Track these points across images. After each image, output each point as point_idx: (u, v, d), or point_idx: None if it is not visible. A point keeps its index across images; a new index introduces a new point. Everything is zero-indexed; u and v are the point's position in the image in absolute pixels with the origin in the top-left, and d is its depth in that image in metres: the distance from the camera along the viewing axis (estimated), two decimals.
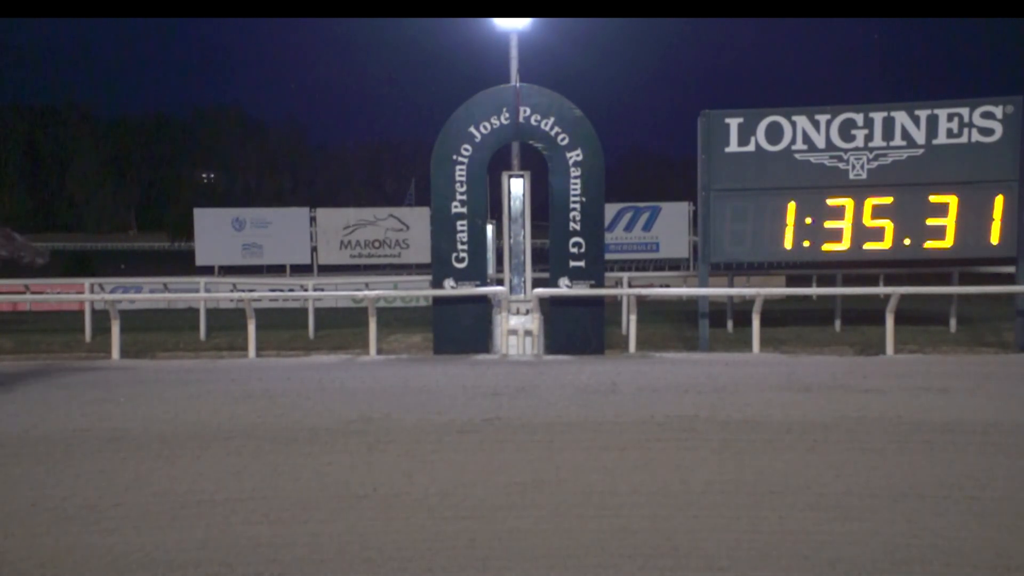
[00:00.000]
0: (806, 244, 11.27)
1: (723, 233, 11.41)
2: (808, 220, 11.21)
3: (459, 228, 11.31)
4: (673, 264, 23.75)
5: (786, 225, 11.23)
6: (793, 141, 11.26)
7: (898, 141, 11.14)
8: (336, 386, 8.27)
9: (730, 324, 13.29)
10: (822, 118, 11.25)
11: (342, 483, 4.93)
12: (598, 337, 11.30)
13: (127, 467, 5.32)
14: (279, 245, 24.62)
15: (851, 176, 11.19)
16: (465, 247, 11.32)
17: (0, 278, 8.32)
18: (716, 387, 8.07)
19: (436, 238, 11.58)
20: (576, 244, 11.26)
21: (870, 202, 11.12)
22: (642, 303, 13.08)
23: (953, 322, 12.71)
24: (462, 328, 11.34)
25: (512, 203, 11.57)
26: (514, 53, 12.34)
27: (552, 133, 11.27)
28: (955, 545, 3.93)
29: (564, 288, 11.22)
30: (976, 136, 10.99)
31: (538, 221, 11.81)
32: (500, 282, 11.73)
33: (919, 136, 11.08)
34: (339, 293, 16.64)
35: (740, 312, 13.30)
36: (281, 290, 19.35)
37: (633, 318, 11.50)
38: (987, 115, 10.98)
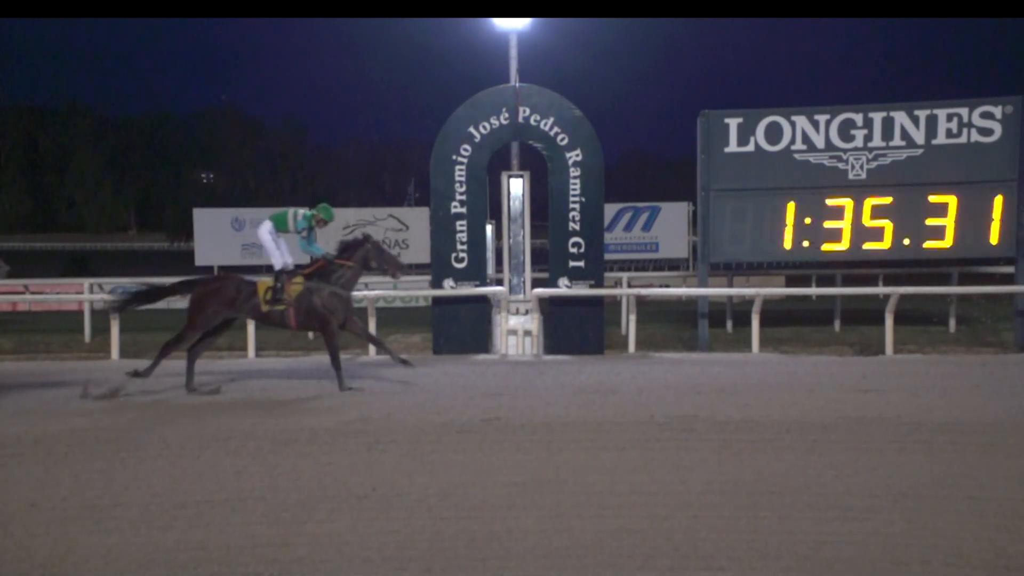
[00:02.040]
0: (805, 244, 11.27)
1: (723, 233, 11.42)
2: (807, 220, 11.21)
3: (459, 228, 11.31)
4: (673, 264, 23.76)
5: (785, 225, 11.24)
6: (792, 141, 11.27)
7: (897, 141, 11.14)
8: (336, 386, 8.26)
9: (730, 324, 13.29)
10: (821, 118, 11.25)
11: (342, 483, 4.93)
12: (597, 337, 11.30)
13: (127, 467, 5.31)
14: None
15: (850, 176, 11.19)
16: (465, 247, 11.33)
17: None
18: (716, 387, 8.06)
19: (436, 238, 11.58)
20: (576, 244, 11.26)
21: (869, 202, 11.12)
22: (641, 303, 13.08)
23: (952, 322, 12.71)
24: (462, 328, 11.33)
25: (512, 203, 11.57)
26: (514, 53, 12.34)
27: (552, 133, 11.27)
28: (955, 545, 3.93)
29: (563, 288, 11.22)
30: (975, 136, 10.99)
31: (538, 221, 11.82)
32: (500, 282, 11.72)
33: (918, 136, 11.08)
34: None
35: (740, 312, 13.30)
36: None
37: (633, 318, 11.50)
38: (986, 115, 10.98)
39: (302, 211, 8.83)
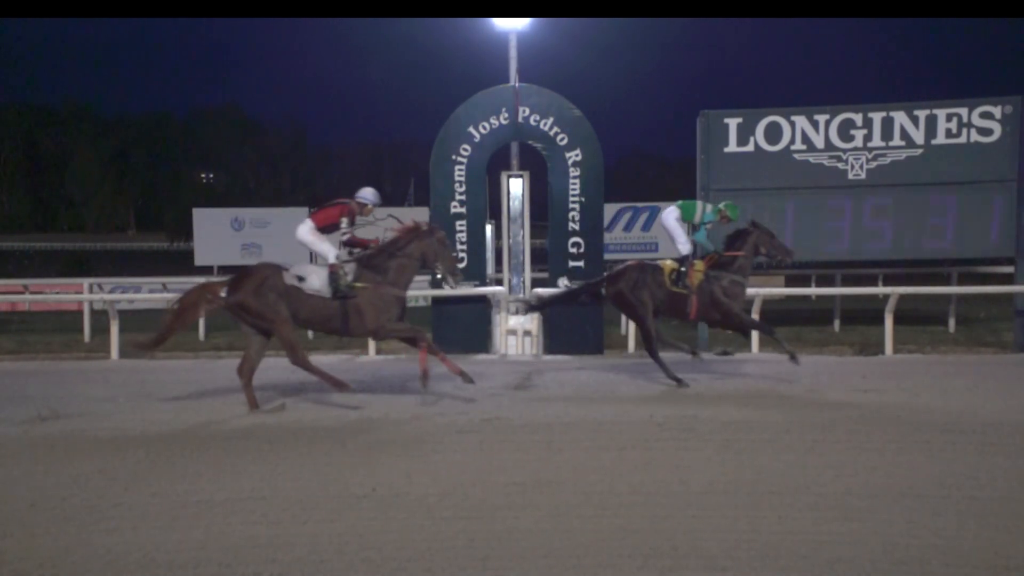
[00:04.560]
0: (805, 244, 11.27)
1: (722, 233, 11.40)
2: (808, 220, 11.21)
3: (458, 228, 11.31)
4: None
5: (785, 225, 11.23)
6: (792, 141, 11.27)
7: (897, 141, 11.15)
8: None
9: None
10: (821, 118, 11.26)
11: (342, 483, 4.92)
12: (597, 337, 11.30)
13: (127, 467, 5.31)
14: (278, 245, 24.54)
15: (850, 176, 11.20)
16: (464, 247, 11.32)
17: None
18: (716, 387, 8.06)
19: None
20: (575, 244, 11.26)
21: (869, 202, 11.13)
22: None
23: (952, 322, 12.71)
24: (462, 328, 11.32)
25: (511, 203, 11.57)
26: (513, 53, 12.34)
27: (551, 133, 11.27)
28: (955, 545, 3.93)
29: (563, 288, 11.21)
30: (975, 136, 11.00)
31: (538, 221, 11.81)
32: (499, 282, 11.72)
33: (918, 136, 11.09)
34: None
35: None
36: None
37: None
38: (986, 115, 10.99)
39: (710, 205, 8.95)
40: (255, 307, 6.99)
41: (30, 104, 54.63)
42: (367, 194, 7.92)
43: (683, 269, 8.41)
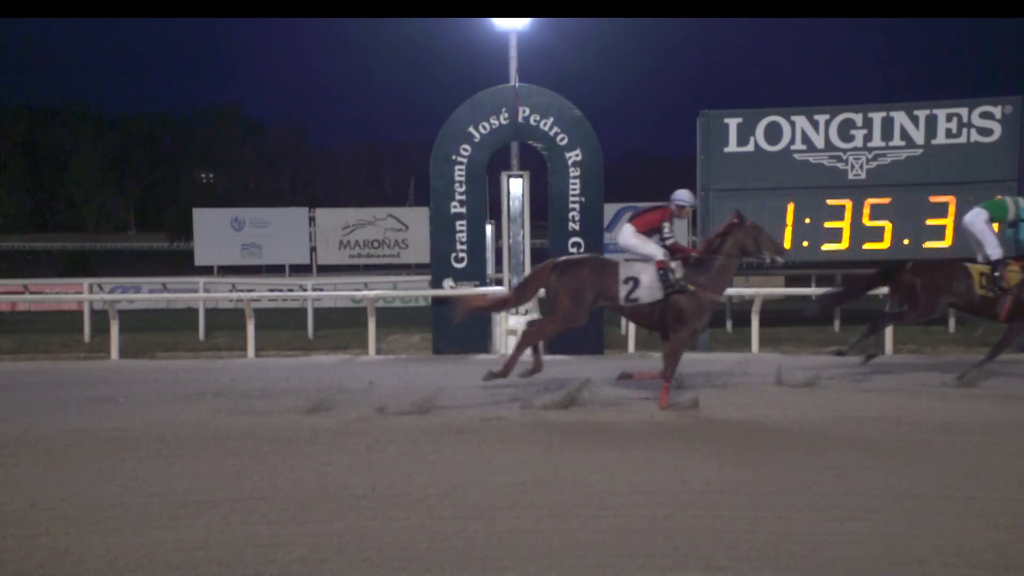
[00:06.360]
0: (805, 244, 11.28)
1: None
2: (807, 220, 11.22)
3: (458, 228, 11.31)
4: None
5: (785, 225, 11.24)
6: (792, 141, 11.28)
7: (897, 141, 11.15)
8: (336, 386, 8.25)
9: (729, 324, 13.29)
10: (821, 118, 11.26)
11: (341, 483, 4.93)
12: (597, 337, 11.29)
13: (127, 467, 5.31)
14: (278, 245, 24.62)
15: (850, 176, 11.20)
16: (464, 247, 11.33)
17: None
18: (716, 387, 8.06)
19: (435, 238, 11.58)
20: (575, 244, 11.25)
21: (869, 202, 11.13)
22: None
23: (952, 322, 12.70)
24: (462, 328, 11.29)
25: (511, 203, 11.57)
26: (513, 53, 12.35)
27: (551, 133, 11.27)
28: (955, 545, 3.93)
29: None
30: (975, 136, 11.00)
31: (538, 221, 11.81)
32: (499, 282, 11.72)
33: (918, 136, 11.09)
34: (338, 293, 16.65)
35: (739, 312, 13.29)
36: (280, 290, 19.34)
37: None
38: (986, 115, 10.99)
39: (1021, 199, 8.33)
40: (565, 295, 7.18)
41: (30, 104, 54.64)
42: (684, 196, 7.81)
43: (997, 274, 7.95)
